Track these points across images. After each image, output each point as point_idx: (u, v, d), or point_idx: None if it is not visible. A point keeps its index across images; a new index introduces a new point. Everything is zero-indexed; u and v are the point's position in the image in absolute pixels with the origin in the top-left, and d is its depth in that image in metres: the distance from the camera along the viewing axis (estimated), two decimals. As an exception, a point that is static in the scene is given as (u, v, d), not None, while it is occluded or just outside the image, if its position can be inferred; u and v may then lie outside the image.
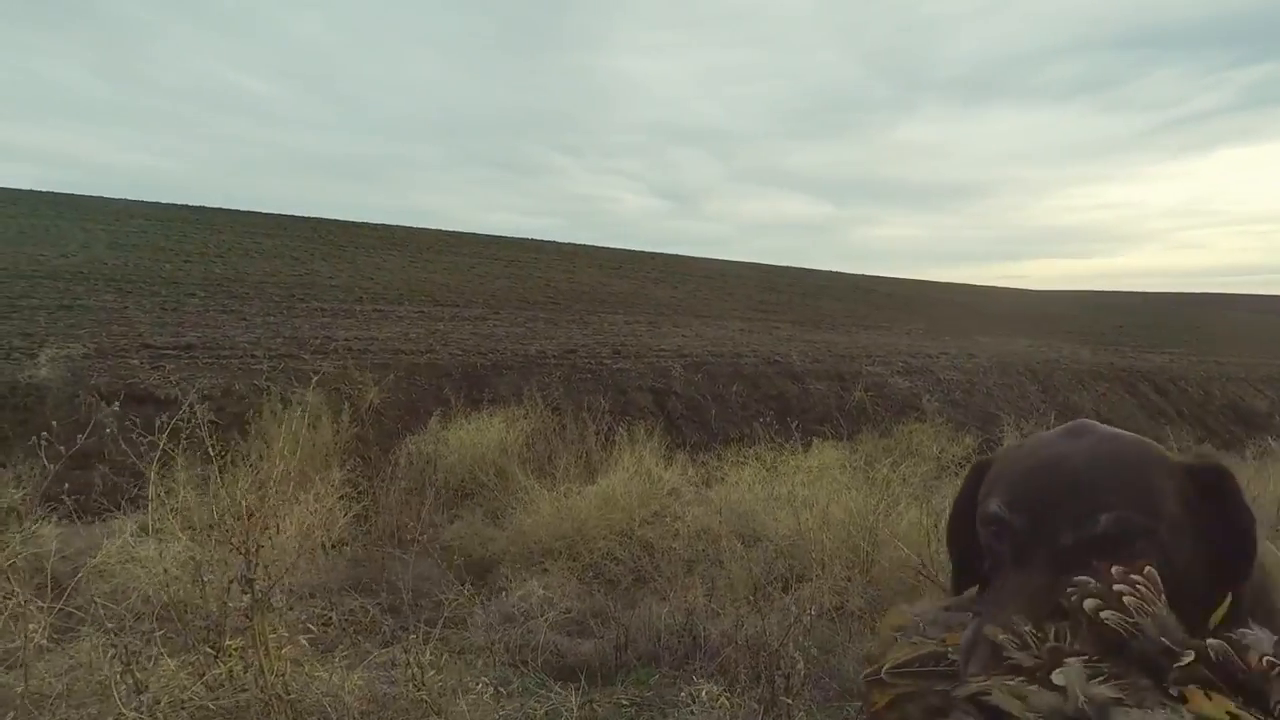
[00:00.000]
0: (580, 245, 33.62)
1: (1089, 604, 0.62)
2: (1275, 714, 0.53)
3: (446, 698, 1.88)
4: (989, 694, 0.58)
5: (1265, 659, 0.57)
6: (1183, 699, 0.54)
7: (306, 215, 29.17)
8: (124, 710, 1.50)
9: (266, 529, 2.18)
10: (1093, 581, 0.63)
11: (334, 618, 3.06)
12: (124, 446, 2.49)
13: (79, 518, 4.23)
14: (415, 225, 33.00)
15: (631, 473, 5.72)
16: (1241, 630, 0.61)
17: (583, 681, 2.80)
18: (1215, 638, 0.59)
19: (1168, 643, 0.59)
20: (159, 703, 1.52)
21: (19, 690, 1.69)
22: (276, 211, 35.27)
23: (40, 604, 2.08)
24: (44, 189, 26.62)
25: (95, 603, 2.20)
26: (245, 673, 1.63)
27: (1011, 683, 0.59)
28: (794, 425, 7.31)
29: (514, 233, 46.97)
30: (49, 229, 18.41)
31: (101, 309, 11.16)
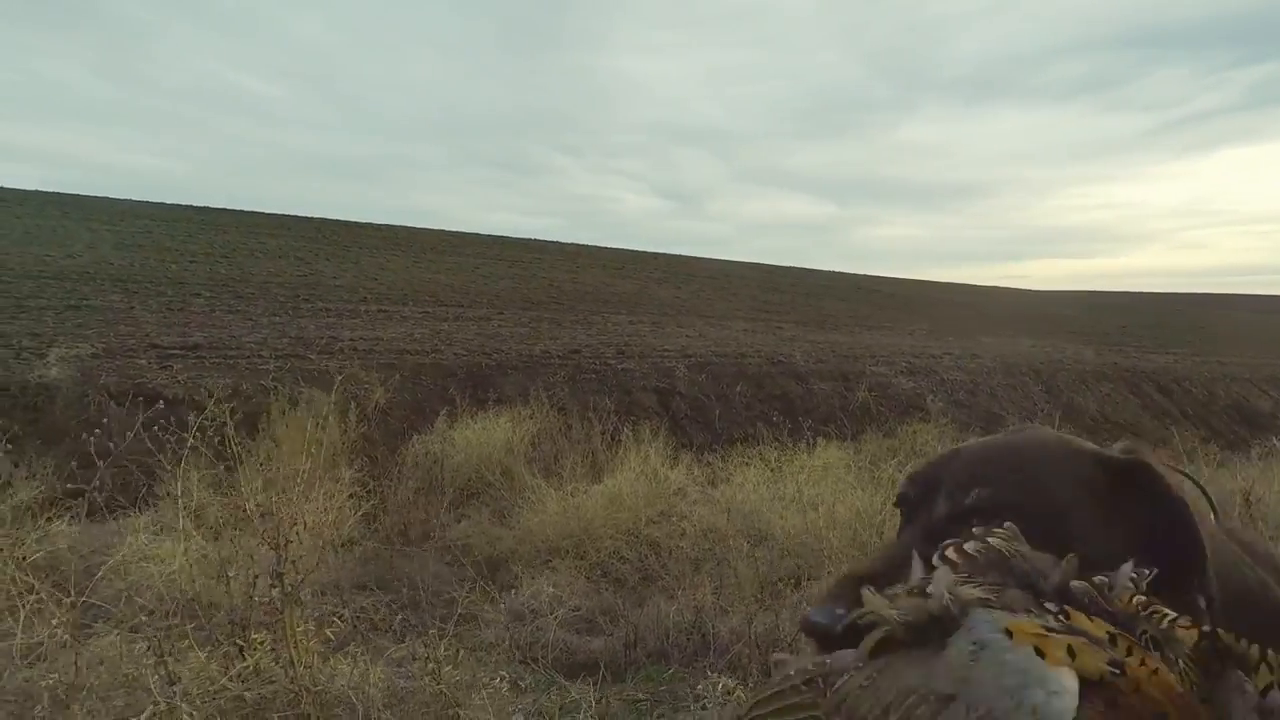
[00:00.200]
0: (583, 245, 33.68)
1: (950, 552, 0.64)
2: (1143, 643, 0.55)
3: (463, 692, 1.92)
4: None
5: (1135, 598, 0.58)
6: (1065, 614, 0.56)
7: (309, 215, 29.29)
8: (158, 699, 1.53)
9: (295, 524, 2.22)
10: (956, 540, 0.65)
11: (346, 614, 3.09)
12: (149, 445, 2.51)
13: (90, 516, 4.27)
14: (417, 225, 33.07)
15: (637, 473, 5.75)
16: (1105, 575, 0.61)
17: (596, 677, 2.83)
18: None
19: (1042, 568, 0.61)
20: (190, 694, 1.55)
21: (44, 684, 1.72)
22: (279, 211, 35.37)
23: (61, 599, 2.11)
24: (49, 189, 26.73)
25: (123, 596, 2.23)
26: (276, 664, 1.67)
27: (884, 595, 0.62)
28: (799, 425, 7.33)
29: (515, 233, 47.07)
30: (55, 229, 18.48)
31: (108, 309, 11.21)
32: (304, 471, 2.74)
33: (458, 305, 16.08)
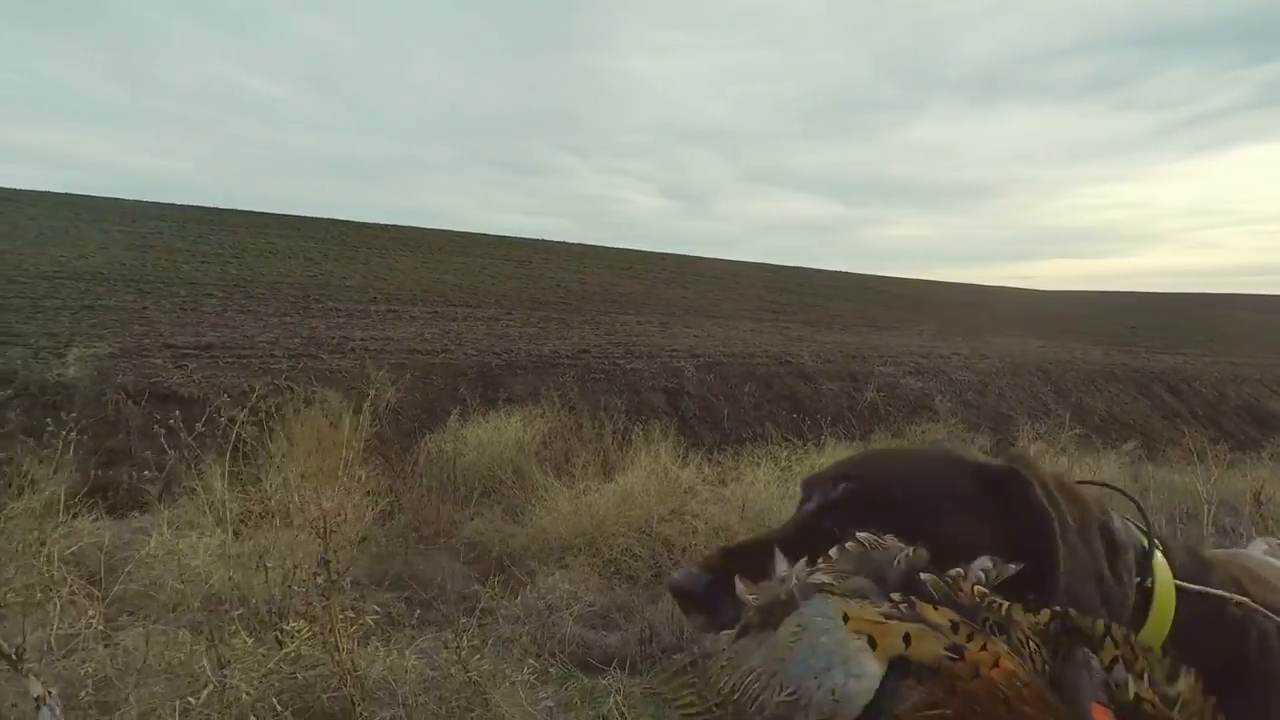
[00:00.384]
0: (590, 246, 33.76)
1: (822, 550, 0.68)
2: (987, 629, 0.56)
3: (491, 681, 1.97)
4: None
5: (977, 589, 0.60)
6: (910, 603, 0.58)
7: (317, 216, 29.48)
8: (211, 679, 1.59)
9: (339, 515, 2.28)
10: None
11: (365, 608, 3.15)
12: (185, 441, 2.57)
13: (111, 513, 4.35)
14: (424, 226, 33.24)
15: (648, 471, 5.79)
16: (958, 568, 0.64)
17: (613, 670, 2.87)
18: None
19: (894, 556, 0.64)
20: (239, 677, 1.61)
21: (82, 672, 1.78)
22: (287, 212, 35.60)
23: (93, 592, 2.18)
24: (61, 190, 26.97)
25: (155, 586, 2.29)
26: (321, 649, 1.72)
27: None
28: (807, 425, 7.36)
29: (522, 233, 47.17)
30: (67, 230, 18.66)
31: (122, 309, 11.32)
32: (342, 460, 2.79)
33: (466, 305, 16.17)
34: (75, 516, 3.83)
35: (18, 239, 16.32)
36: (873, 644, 0.54)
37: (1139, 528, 0.86)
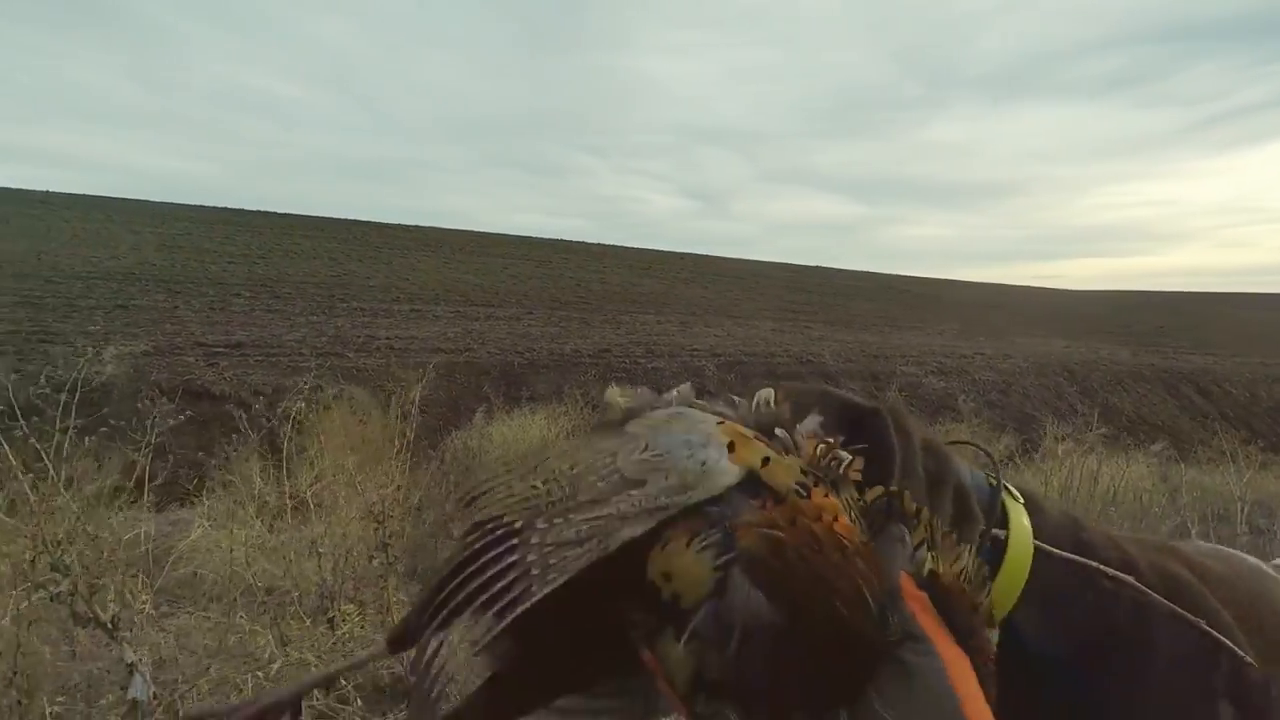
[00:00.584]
0: (609, 246, 33.87)
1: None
2: (826, 485, 0.57)
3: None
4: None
5: (819, 446, 0.61)
6: (731, 448, 0.58)
7: (340, 217, 29.87)
8: (277, 654, 1.67)
9: (394, 503, 2.35)
10: None
11: (407, 598, 3.23)
12: (221, 437, 2.65)
13: (153, 506, 4.46)
14: (444, 226, 33.54)
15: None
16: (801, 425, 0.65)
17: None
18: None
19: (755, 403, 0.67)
20: (306, 652, 1.68)
21: (136, 655, 1.86)
22: (306, 213, 36.08)
23: (143, 579, 2.26)
24: (93, 193, 27.57)
25: (197, 575, 2.38)
26: (379, 627, 1.79)
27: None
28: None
29: (541, 233, 47.37)
30: (99, 232, 19.10)
31: (154, 309, 11.59)
32: (394, 448, 2.87)
33: (488, 305, 16.32)
34: (120, 509, 3.95)
35: (53, 240, 16.74)
36: (732, 450, 0.57)
37: (1012, 491, 0.85)
